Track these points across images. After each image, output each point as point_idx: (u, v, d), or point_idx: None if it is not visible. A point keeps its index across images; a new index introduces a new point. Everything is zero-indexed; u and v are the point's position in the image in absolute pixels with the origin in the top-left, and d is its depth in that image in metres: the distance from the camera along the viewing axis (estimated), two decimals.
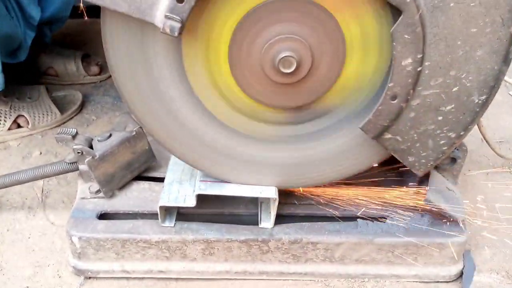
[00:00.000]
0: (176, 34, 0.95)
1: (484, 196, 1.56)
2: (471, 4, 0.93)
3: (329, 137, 1.19)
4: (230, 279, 1.34)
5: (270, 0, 1.00)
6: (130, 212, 1.33)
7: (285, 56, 1.03)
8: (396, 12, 0.94)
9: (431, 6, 0.92)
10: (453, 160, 1.34)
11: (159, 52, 1.06)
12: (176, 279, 1.34)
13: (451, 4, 0.92)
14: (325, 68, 1.08)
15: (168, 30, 0.95)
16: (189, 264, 1.32)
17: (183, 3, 0.93)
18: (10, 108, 1.83)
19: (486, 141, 1.43)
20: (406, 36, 0.95)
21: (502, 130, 1.90)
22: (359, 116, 1.14)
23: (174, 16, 0.94)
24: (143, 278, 1.33)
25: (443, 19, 0.94)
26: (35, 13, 1.89)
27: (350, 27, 1.03)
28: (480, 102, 1.05)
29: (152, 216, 1.30)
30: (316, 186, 1.31)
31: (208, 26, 1.03)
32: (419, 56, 0.97)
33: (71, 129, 1.31)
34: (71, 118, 1.96)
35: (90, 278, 1.34)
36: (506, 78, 1.32)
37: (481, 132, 1.36)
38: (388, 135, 1.11)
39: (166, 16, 0.94)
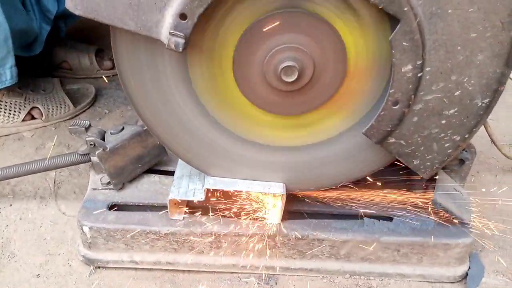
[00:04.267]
0: (180, 49, 1.03)
1: (492, 197, 1.61)
2: (470, 10, 0.97)
3: (334, 141, 1.25)
4: (237, 272, 1.41)
5: (271, 14, 1.06)
6: (140, 204, 1.41)
7: (287, 66, 1.10)
8: (394, 20, 0.98)
9: (429, 13, 0.97)
10: (461, 161, 1.38)
11: (166, 64, 1.14)
12: (183, 271, 1.42)
13: (449, 11, 0.97)
14: (327, 77, 1.14)
15: (173, 46, 1.03)
16: (196, 257, 1.39)
17: (186, 20, 1.01)
18: (25, 100, 1.92)
19: (493, 142, 1.46)
20: (405, 43, 0.99)
21: None
22: (362, 121, 1.19)
23: (178, 32, 1.02)
24: (151, 269, 1.41)
25: (441, 25, 0.98)
26: (52, 7, 2.00)
27: (352, 40, 1.09)
28: (483, 105, 1.09)
29: (162, 208, 1.37)
30: (320, 190, 1.36)
31: (212, 41, 1.11)
32: (419, 62, 1.02)
33: (84, 121, 1.39)
34: (84, 111, 2.06)
35: (99, 267, 1.42)
36: None
37: (488, 132, 1.40)
38: (392, 140, 1.15)
39: (170, 33, 1.02)
